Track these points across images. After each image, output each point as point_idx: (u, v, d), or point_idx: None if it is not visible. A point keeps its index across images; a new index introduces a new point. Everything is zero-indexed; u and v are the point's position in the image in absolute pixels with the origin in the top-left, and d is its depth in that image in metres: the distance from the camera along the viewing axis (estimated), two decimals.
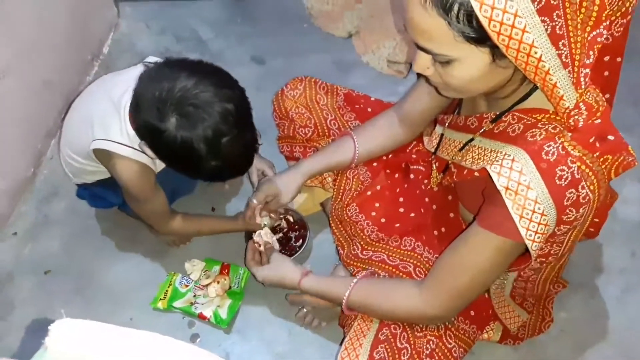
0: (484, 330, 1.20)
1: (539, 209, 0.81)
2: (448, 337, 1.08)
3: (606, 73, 0.98)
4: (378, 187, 1.28)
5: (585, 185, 0.81)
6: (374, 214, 1.26)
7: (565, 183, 0.80)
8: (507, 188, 0.82)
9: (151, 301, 1.38)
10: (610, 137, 0.83)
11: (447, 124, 1.08)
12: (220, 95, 1.02)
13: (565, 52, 0.75)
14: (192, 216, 1.39)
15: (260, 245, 1.29)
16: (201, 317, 1.35)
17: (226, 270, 1.41)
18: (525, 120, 0.87)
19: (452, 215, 1.20)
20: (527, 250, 0.87)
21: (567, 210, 0.82)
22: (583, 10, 0.76)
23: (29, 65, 1.48)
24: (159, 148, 1.08)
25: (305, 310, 1.34)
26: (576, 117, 0.81)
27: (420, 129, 1.25)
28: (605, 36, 0.81)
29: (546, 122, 0.84)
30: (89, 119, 1.17)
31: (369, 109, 1.39)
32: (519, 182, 0.81)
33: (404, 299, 1.02)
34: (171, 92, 1.01)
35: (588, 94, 0.83)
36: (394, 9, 1.94)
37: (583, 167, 0.80)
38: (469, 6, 0.70)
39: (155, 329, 0.53)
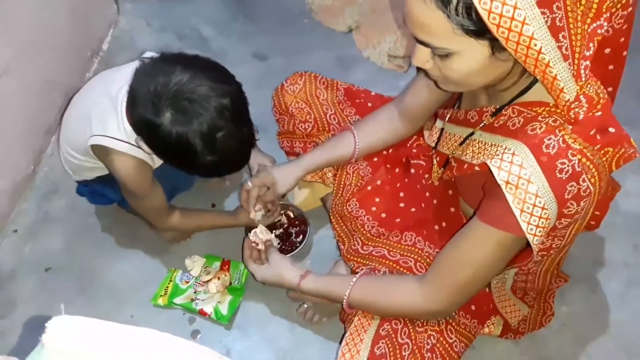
0: (485, 325, 1.20)
1: (540, 202, 0.80)
2: (449, 332, 1.08)
3: (611, 67, 0.97)
4: (378, 182, 1.27)
5: (586, 178, 0.80)
6: (374, 209, 1.25)
7: (566, 176, 0.79)
8: (507, 182, 0.81)
9: (152, 298, 1.38)
10: (611, 130, 0.82)
11: (447, 118, 1.08)
12: (216, 89, 1.01)
13: (566, 44, 0.75)
14: (191, 211, 1.39)
15: (257, 245, 1.27)
16: (202, 313, 1.35)
17: (226, 266, 1.41)
18: (525, 114, 0.86)
19: (452, 209, 1.19)
20: (528, 244, 0.87)
21: (568, 204, 0.82)
22: (583, 1, 0.75)
23: (29, 63, 1.48)
24: (155, 143, 1.07)
25: (306, 305, 1.34)
26: (576, 109, 0.81)
27: (420, 123, 1.24)
28: (605, 28, 0.81)
29: (546, 115, 0.83)
30: (87, 115, 1.17)
31: (369, 104, 1.38)
32: (520, 176, 0.80)
33: (404, 294, 1.02)
34: (166, 87, 1.00)
35: (588, 86, 0.82)
36: (394, 4, 1.93)
37: (584, 159, 0.79)
38: None
39: (156, 325, 0.52)
